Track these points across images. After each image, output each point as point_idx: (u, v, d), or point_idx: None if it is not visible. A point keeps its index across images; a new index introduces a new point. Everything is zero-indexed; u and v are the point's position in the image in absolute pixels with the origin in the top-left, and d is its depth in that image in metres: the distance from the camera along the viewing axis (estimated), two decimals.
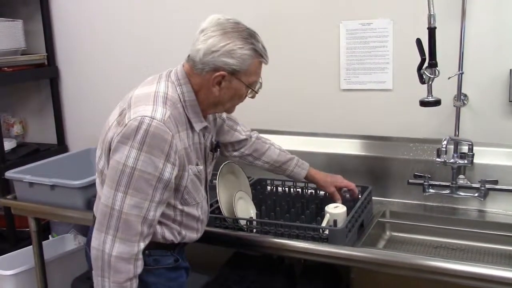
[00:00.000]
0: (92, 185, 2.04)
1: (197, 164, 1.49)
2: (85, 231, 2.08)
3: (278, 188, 2.12)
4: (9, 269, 2.39)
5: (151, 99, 1.39)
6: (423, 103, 1.84)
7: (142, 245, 1.37)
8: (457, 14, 1.92)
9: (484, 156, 1.95)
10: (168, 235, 1.49)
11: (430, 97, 1.83)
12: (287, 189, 2.10)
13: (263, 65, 1.48)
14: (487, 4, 1.91)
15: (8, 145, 2.79)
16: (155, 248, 1.48)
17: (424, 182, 1.99)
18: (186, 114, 1.44)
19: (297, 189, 2.07)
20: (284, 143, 2.27)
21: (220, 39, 1.38)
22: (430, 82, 1.82)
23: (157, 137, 1.32)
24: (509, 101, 1.92)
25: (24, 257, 2.49)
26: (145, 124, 1.32)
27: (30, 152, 2.82)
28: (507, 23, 1.90)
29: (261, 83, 1.51)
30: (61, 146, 2.95)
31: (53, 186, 2.11)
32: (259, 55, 1.43)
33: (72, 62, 2.87)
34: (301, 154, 2.21)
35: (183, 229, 1.52)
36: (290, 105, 2.31)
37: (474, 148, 1.92)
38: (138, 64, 2.63)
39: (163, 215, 1.43)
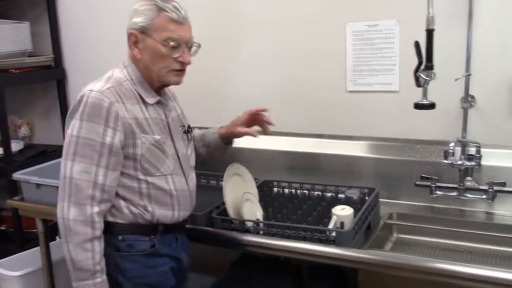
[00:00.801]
0: None
1: (154, 135, 1.56)
2: None
3: (285, 189, 2.12)
4: (16, 270, 2.40)
5: (96, 81, 1.55)
6: (418, 106, 1.84)
7: (96, 209, 1.46)
8: (464, 16, 1.91)
9: (491, 158, 1.94)
10: (135, 211, 1.55)
11: (425, 100, 1.83)
12: (293, 190, 2.10)
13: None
14: (494, 6, 1.89)
15: (16, 146, 2.81)
16: (130, 234, 1.55)
17: (432, 184, 1.98)
18: (136, 91, 1.56)
19: (304, 191, 2.07)
20: (290, 145, 2.29)
21: (131, 7, 1.56)
22: (425, 85, 1.81)
23: (95, 106, 1.46)
24: None
25: (31, 258, 2.50)
26: (85, 97, 1.48)
27: (37, 154, 2.83)
28: None
29: (193, 43, 1.59)
30: None
31: (56, 187, 2.11)
32: (161, 8, 1.51)
33: (79, 64, 2.88)
34: (307, 156, 2.23)
35: (153, 204, 1.56)
36: (296, 106, 2.31)
37: (482, 149, 1.91)
38: None
39: (126, 188, 1.53)
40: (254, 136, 1.78)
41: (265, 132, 1.81)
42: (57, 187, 2.05)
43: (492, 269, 1.46)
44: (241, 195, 1.82)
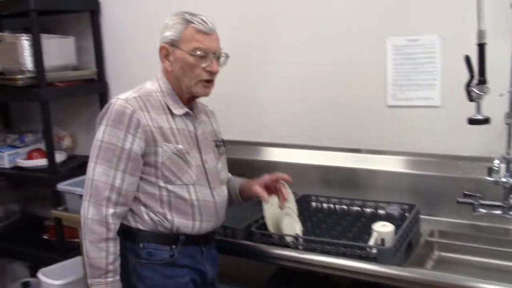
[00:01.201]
0: None
1: (178, 144, 1.60)
2: None
3: (323, 204, 2.12)
4: (58, 279, 2.46)
5: (129, 91, 1.64)
6: (472, 121, 1.81)
7: (111, 211, 1.53)
8: (509, 30, 1.88)
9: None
10: (155, 218, 1.59)
11: (479, 115, 1.80)
12: (332, 205, 2.09)
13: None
14: None
15: (59, 157, 2.88)
16: (151, 242, 1.60)
17: (474, 201, 1.94)
18: (164, 102, 1.63)
19: (343, 206, 2.06)
20: (327, 159, 2.28)
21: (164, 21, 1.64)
22: (479, 100, 1.79)
23: (118, 112, 1.54)
24: None
25: (73, 267, 2.56)
26: (112, 104, 1.57)
27: (79, 165, 2.89)
28: None
29: (221, 54, 1.64)
30: None
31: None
32: (189, 21, 1.59)
33: (121, 78, 2.95)
34: (344, 170, 2.22)
35: (172, 213, 1.60)
36: (335, 120, 2.30)
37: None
38: None
39: (147, 194, 1.59)
40: (265, 199, 1.73)
41: (280, 203, 1.77)
42: None
43: None
44: (280, 210, 1.82)
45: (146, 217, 1.59)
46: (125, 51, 2.91)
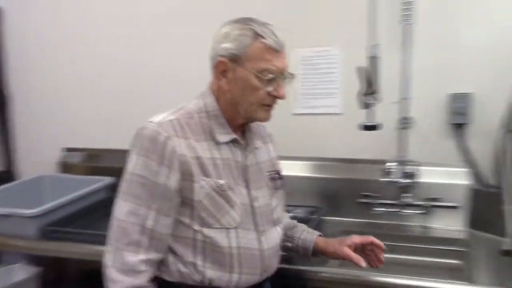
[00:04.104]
0: (46, 213, 2.01)
1: (219, 179, 1.32)
2: (37, 261, 2.03)
3: None
4: None
5: (167, 111, 1.37)
6: (364, 127, 1.95)
7: (142, 257, 1.27)
8: (402, 43, 2.04)
9: (427, 175, 2.06)
10: (184, 270, 1.32)
11: (371, 121, 1.96)
12: None
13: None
14: (429, 35, 2.05)
15: None
16: None
17: (372, 201, 2.09)
18: (208, 125, 1.35)
19: None
20: None
21: (220, 29, 1.35)
22: (371, 107, 1.93)
23: (151, 139, 1.28)
24: (449, 124, 2.06)
25: None
26: (144, 129, 1.30)
27: None
28: (446, 52, 2.05)
29: (288, 73, 1.36)
30: (9, 173, 2.88)
31: (4, 216, 2.06)
32: (258, 35, 1.30)
33: (24, 87, 2.82)
34: None
35: (206, 263, 1.32)
36: None
37: (418, 167, 2.04)
38: (92, 87, 2.64)
39: (178, 238, 1.32)
40: (360, 266, 1.46)
41: (375, 265, 1.55)
42: (1, 215, 2.04)
43: (428, 280, 1.55)
44: None
45: (173, 268, 1.32)
46: (29, 59, 2.78)
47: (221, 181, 1.32)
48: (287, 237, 1.60)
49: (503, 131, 1.96)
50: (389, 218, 2.10)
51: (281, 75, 1.33)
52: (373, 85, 1.92)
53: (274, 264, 1.45)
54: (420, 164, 2.05)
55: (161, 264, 1.33)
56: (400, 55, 2.05)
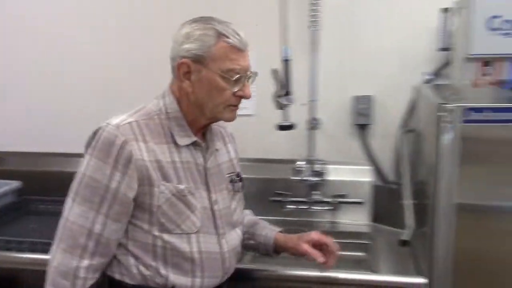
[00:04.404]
0: None
1: (179, 183, 1.30)
2: None
3: None
4: None
5: (126, 112, 1.34)
6: (280, 127, 2.03)
7: (86, 262, 1.25)
8: (310, 47, 2.13)
9: (334, 173, 2.18)
10: (145, 272, 1.29)
11: (286, 121, 2.04)
12: None
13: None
14: (335, 40, 2.17)
15: None
16: None
17: (284, 199, 2.17)
18: (168, 127, 1.32)
19: None
20: None
21: (180, 29, 1.32)
22: (285, 108, 2.02)
23: (107, 142, 1.24)
24: (354, 124, 2.20)
25: None
26: (100, 130, 1.26)
27: None
28: (350, 56, 2.18)
29: (251, 72, 1.34)
30: None
31: None
32: (222, 34, 1.27)
33: None
34: None
35: (168, 268, 1.30)
36: None
37: (326, 166, 2.15)
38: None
39: (138, 243, 1.29)
40: (319, 261, 1.48)
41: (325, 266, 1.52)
42: None
43: (337, 271, 1.62)
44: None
45: (135, 270, 1.29)
46: None
47: (181, 186, 1.29)
48: (249, 234, 1.60)
49: (401, 131, 2.13)
50: (300, 215, 2.18)
51: (245, 75, 1.31)
52: (286, 87, 2.00)
53: (233, 265, 1.45)
54: (327, 163, 2.16)
55: (122, 268, 1.31)
56: (309, 59, 2.14)
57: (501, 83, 1.53)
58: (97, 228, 1.24)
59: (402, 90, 2.13)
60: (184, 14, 1.39)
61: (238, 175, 1.50)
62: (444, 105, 1.46)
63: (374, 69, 2.16)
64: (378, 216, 2.15)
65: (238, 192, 1.49)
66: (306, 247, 1.50)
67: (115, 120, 1.28)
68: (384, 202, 2.14)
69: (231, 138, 1.58)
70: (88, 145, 1.28)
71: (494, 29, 1.44)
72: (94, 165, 1.24)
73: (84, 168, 1.26)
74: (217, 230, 1.37)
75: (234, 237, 1.44)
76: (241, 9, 2.25)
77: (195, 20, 1.31)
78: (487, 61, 1.49)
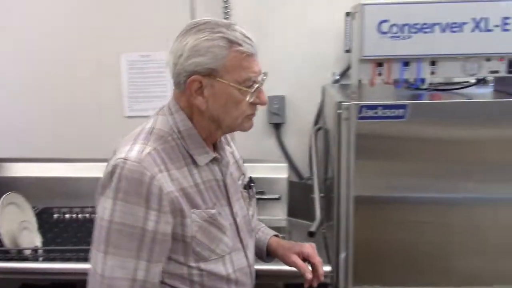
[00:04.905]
0: None
1: (208, 208, 1.20)
2: None
3: (66, 214, 2.16)
4: None
5: (132, 138, 1.18)
6: None
7: None
8: None
9: (253, 171, 2.25)
10: None
11: None
12: (74, 215, 2.15)
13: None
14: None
15: None
16: None
17: None
18: (185, 148, 1.20)
19: (85, 214, 2.14)
20: (71, 171, 2.32)
21: (181, 40, 1.17)
22: None
23: (132, 180, 1.08)
24: (269, 123, 2.28)
25: None
26: (119, 168, 1.09)
27: None
28: (262, 56, 2.21)
29: (263, 74, 1.23)
30: None
31: None
32: (233, 42, 1.14)
33: None
34: (88, 180, 2.28)
35: None
36: (75, 132, 2.38)
37: (245, 164, 2.21)
38: None
39: (174, 276, 1.19)
40: (307, 277, 1.38)
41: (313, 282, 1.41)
42: None
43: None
44: (17, 225, 1.81)
45: None
46: None
47: (212, 211, 1.21)
48: None
49: (313, 130, 2.24)
50: None
51: (260, 81, 1.21)
52: None
53: (255, 274, 1.40)
54: (247, 161, 2.22)
55: None
56: None
57: (395, 82, 1.65)
58: (140, 275, 1.12)
59: (313, 90, 2.23)
60: None
61: (251, 180, 1.44)
62: (341, 103, 1.56)
63: (286, 70, 2.25)
64: (294, 211, 2.25)
65: (253, 197, 1.44)
66: (294, 258, 1.40)
67: (130, 152, 1.12)
68: (298, 197, 2.24)
69: (232, 137, 1.51)
70: (105, 187, 1.11)
71: (383, 33, 1.55)
72: (123, 209, 1.09)
73: (109, 214, 1.09)
74: (242, 243, 1.31)
75: (252, 245, 1.39)
76: (153, 11, 2.28)
77: (199, 29, 1.16)
78: (379, 62, 1.61)
